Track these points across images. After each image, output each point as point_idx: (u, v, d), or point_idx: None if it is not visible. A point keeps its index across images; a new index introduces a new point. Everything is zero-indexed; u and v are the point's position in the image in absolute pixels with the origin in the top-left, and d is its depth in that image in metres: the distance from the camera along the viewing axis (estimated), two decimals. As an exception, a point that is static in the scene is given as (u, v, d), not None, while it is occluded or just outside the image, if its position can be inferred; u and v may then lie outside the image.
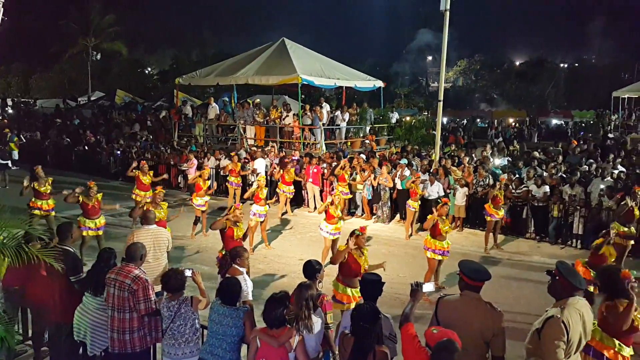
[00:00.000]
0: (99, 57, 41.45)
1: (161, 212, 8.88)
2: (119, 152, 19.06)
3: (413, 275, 8.85)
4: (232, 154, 14.66)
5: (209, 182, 11.93)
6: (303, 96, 18.62)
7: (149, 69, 49.71)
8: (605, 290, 4.84)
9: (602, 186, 11.60)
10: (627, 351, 4.60)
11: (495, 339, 3.77)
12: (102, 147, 20.07)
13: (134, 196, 12.19)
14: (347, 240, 6.43)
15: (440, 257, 8.31)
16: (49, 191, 10.58)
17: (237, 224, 7.55)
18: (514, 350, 4.20)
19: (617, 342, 4.61)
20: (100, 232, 9.50)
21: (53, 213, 10.65)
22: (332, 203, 9.40)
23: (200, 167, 15.30)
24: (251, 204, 10.67)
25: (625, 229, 9.33)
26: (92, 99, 34.22)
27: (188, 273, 4.62)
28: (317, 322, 4.22)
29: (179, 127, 20.78)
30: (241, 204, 8.79)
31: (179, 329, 4.43)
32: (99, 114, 27.70)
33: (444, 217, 8.51)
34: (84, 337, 4.93)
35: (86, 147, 20.61)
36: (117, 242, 9.47)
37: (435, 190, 12.22)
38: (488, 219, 10.94)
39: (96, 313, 4.89)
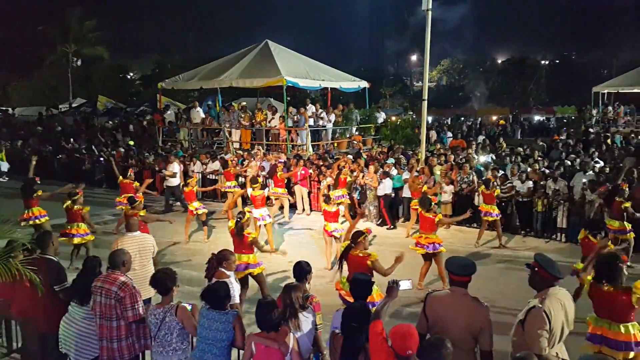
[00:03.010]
0: (79, 63, 41.01)
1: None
2: (102, 159, 18.88)
3: (404, 273, 8.84)
4: (228, 159, 14.67)
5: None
6: (288, 98, 18.63)
7: (131, 74, 49.32)
8: (605, 278, 4.88)
9: (584, 180, 11.76)
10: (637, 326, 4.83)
11: (482, 334, 3.82)
12: (85, 153, 19.86)
13: (119, 207, 12.08)
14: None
15: (436, 251, 8.34)
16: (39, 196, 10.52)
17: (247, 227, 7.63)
18: (502, 343, 4.25)
19: (624, 324, 4.80)
20: (87, 238, 9.58)
21: (46, 218, 10.44)
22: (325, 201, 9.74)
23: (185, 173, 15.24)
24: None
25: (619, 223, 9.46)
26: (74, 105, 33.88)
27: (188, 307, 4.54)
28: (305, 321, 4.22)
29: (163, 132, 20.64)
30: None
31: (165, 337, 4.37)
32: (81, 121, 27.43)
33: (435, 211, 8.65)
34: (70, 348, 4.84)
35: (72, 152, 20.39)
36: (102, 250, 9.39)
37: (388, 186, 12.60)
38: (489, 218, 11.00)
39: (83, 323, 4.81)
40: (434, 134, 23.88)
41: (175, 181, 14.06)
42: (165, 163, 15.56)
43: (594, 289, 4.98)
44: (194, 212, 11.42)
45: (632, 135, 20.99)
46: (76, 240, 9.41)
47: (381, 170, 12.88)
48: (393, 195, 12.80)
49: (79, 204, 9.56)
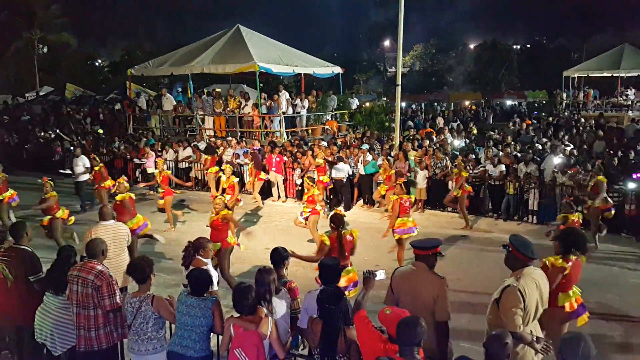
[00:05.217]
0: (45, 50, 39.77)
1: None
2: (72, 147, 18.43)
3: (378, 258, 8.99)
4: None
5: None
6: (261, 84, 18.44)
7: (100, 61, 48.12)
8: (566, 250, 5.06)
9: (555, 162, 12.02)
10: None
11: (436, 303, 3.95)
12: (54, 143, 19.35)
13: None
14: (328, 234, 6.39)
15: (408, 235, 8.36)
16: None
17: (219, 213, 7.59)
18: (477, 324, 4.34)
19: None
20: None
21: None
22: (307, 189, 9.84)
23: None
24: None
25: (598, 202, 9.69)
26: (41, 94, 32.88)
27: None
28: (279, 304, 4.30)
29: (134, 119, 20.24)
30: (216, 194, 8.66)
31: (140, 326, 4.37)
32: (49, 110, 26.68)
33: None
34: (46, 338, 4.80)
35: (40, 141, 19.85)
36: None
37: (345, 170, 12.84)
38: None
39: (59, 312, 4.76)
40: (440, 121, 24.00)
41: (84, 177, 13.24)
42: (137, 152, 15.24)
43: (540, 263, 5.11)
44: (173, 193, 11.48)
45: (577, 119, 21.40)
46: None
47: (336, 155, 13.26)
48: (345, 180, 12.97)
49: (48, 193, 9.38)
